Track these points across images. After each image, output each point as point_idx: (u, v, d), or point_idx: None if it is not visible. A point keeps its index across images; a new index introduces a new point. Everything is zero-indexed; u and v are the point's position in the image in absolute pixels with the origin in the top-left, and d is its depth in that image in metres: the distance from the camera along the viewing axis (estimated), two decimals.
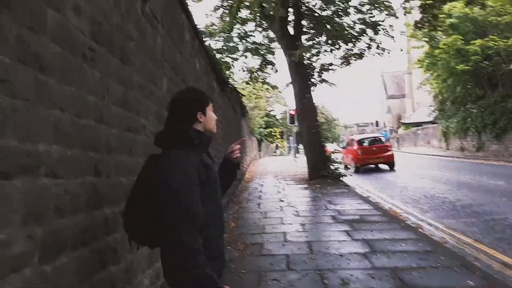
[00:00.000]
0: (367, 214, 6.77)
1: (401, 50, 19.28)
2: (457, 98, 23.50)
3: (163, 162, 1.65)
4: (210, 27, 12.90)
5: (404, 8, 13.41)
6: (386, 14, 12.87)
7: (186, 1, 4.74)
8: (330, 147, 30.66)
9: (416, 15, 14.36)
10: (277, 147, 46.45)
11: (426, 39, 21.59)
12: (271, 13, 12.30)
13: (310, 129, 12.53)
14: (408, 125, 42.63)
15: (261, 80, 14.06)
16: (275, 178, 13.99)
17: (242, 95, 14.47)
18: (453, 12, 19.33)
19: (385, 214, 6.90)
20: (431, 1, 12.35)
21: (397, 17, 12.89)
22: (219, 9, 13.24)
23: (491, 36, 18.66)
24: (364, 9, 12.89)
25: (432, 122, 31.97)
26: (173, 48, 4.08)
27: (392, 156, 15.86)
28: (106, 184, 2.18)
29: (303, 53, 11.88)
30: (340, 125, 66.43)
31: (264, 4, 11.80)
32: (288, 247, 4.93)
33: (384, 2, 12.50)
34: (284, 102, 38.24)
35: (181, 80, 4.22)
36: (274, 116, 41.17)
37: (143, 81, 2.99)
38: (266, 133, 38.54)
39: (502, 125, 18.50)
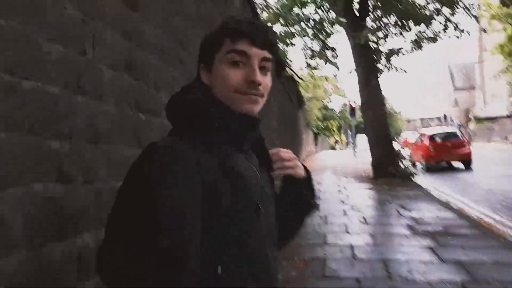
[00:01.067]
0: (452, 225, 5.49)
1: (484, 31, 16.94)
2: None
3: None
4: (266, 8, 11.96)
5: None
6: None
7: None
8: (409, 136, 27.77)
9: None
10: (336, 142, 44.71)
11: (510, 20, 19.01)
12: None
13: (377, 119, 11.17)
14: (480, 120, 39.05)
15: (323, 61, 12.85)
16: (334, 175, 12.81)
17: (301, 79, 13.32)
18: None
19: (475, 225, 5.57)
20: None
21: None
22: None
23: None
24: None
25: (509, 116, 28.92)
26: (214, 8, 3.19)
27: (469, 153, 13.97)
28: (83, 195, 1.31)
29: (369, 35, 10.57)
30: (402, 119, 62.88)
31: None
32: (358, 266, 3.87)
33: None
34: (343, 94, 36.44)
35: None
36: (332, 109, 39.51)
37: (166, 42, 2.11)
38: (323, 126, 37.02)
39: None
